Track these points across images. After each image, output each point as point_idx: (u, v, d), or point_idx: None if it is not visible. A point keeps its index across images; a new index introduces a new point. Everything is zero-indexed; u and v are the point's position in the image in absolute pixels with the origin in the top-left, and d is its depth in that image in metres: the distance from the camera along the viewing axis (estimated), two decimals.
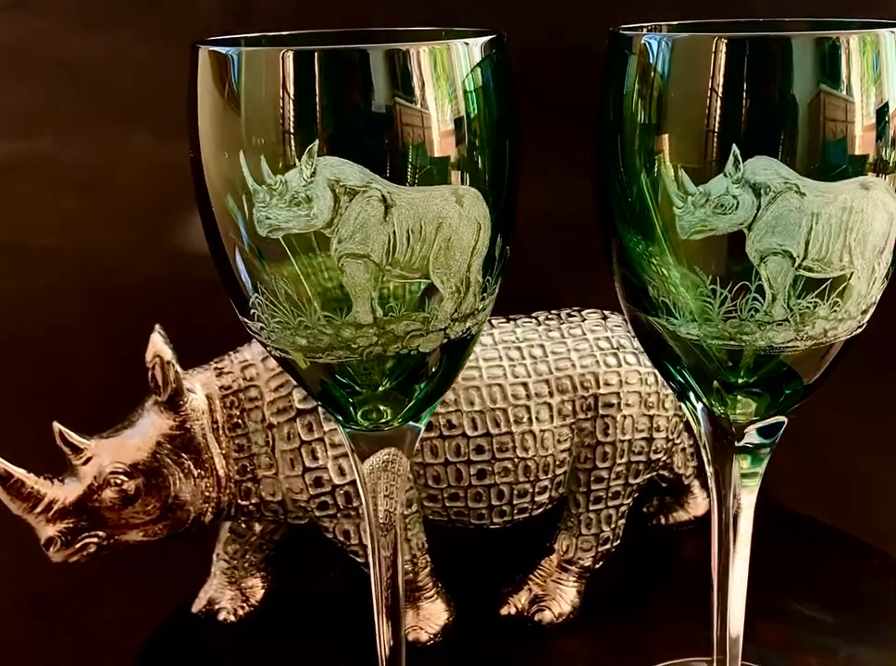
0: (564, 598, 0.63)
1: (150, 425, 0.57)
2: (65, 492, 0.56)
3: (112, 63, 0.77)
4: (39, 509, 0.56)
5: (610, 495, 0.63)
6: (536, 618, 0.63)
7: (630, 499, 0.64)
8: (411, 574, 0.61)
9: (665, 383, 0.49)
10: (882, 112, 0.40)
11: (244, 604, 0.65)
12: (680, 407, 0.64)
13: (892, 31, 0.40)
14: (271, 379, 0.58)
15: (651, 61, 0.44)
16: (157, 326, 0.61)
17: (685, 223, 0.40)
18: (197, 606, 0.66)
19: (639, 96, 0.44)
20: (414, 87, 0.38)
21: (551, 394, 0.60)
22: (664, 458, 0.64)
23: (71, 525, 0.56)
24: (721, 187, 0.39)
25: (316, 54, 0.38)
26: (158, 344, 0.60)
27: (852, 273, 0.40)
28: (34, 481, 0.56)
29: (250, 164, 0.38)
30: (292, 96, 0.39)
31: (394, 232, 0.38)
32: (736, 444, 0.48)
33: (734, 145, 0.39)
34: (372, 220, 0.38)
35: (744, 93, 0.42)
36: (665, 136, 0.44)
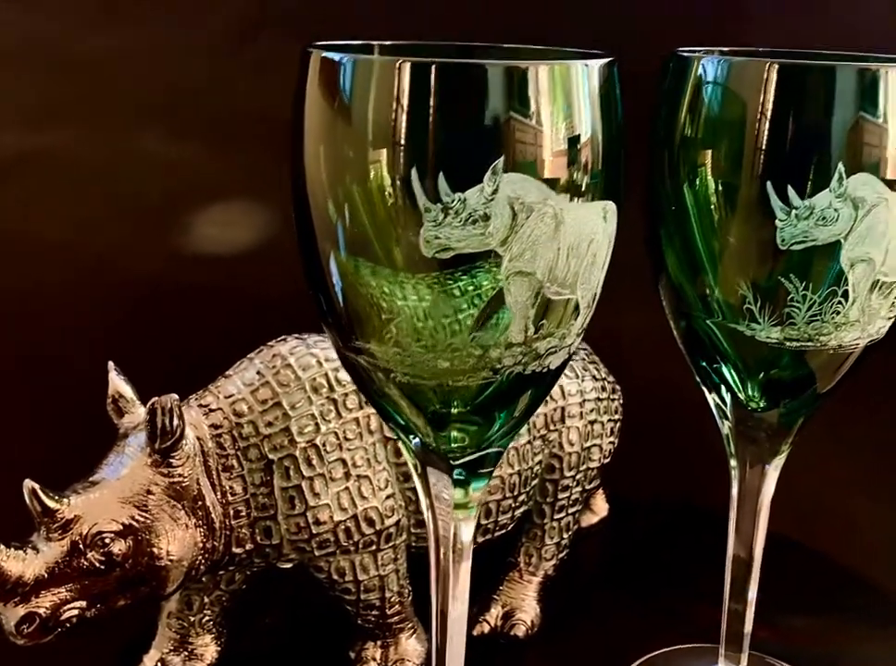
0: (532, 610, 0.64)
1: (136, 474, 0.51)
2: (41, 563, 0.48)
3: (122, 62, 0.73)
4: (7, 588, 0.48)
5: (570, 503, 0.65)
6: (512, 633, 0.63)
7: (581, 506, 0.66)
8: (398, 606, 0.59)
9: (700, 380, 0.52)
10: None
11: (201, 664, 0.59)
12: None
13: None
14: (264, 413, 0.54)
15: (706, 81, 0.47)
16: (111, 364, 0.55)
17: (786, 234, 0.43)
18: None
19: (690, 112, 0.47)
20: (531, 104, 0.38)
21: None
22: (607, 461, 0.67)
23: (56, 600, 0.48)
24: (825, 201, 0.43)
25: (433, 66, 0.37)
26: (120, 384, 0.54)
27: None
28: (3, 556, 0.48)
29: (420, 182, 0.36)
30: (405, 108, 0.37)
31: (559, 249, 0.38)
32: (765, 437, 0.52)
33: (840, 163, 0.42)
34: (543, 237, 0.37)
35: (790, 115, 0.46)
36: (710, 151, 0.47)
